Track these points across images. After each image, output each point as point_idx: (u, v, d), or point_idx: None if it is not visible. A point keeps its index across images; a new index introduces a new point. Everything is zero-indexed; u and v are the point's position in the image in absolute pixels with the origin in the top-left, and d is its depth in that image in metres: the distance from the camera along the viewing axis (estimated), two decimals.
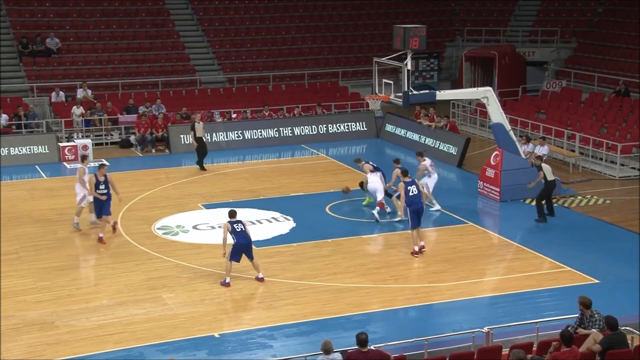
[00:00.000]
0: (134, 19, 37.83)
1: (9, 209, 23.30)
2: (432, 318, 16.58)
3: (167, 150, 30.66)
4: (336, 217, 22.58)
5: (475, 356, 12.69)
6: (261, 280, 17.92)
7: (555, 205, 22.63)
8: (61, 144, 29.38)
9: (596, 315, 13.23)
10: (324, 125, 32.37)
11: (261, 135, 31.49)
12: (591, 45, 37.39)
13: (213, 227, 21.48)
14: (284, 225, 21.89)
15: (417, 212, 19.42)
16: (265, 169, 28.09)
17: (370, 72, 26.00)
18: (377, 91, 24.26)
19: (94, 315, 16.36)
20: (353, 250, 20.05)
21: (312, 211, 23.03)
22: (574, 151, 28.13)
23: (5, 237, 20.89)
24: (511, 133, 24.38)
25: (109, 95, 33.68)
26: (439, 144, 29.13)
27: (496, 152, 24.11)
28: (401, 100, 23.31)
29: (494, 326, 13.97)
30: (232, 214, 17.88)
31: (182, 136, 30.41)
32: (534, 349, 12.96)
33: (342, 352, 12.40)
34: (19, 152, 29.00)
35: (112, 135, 32.07)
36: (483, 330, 13.62)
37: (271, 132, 31.61)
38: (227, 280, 17.71)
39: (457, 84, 37.06)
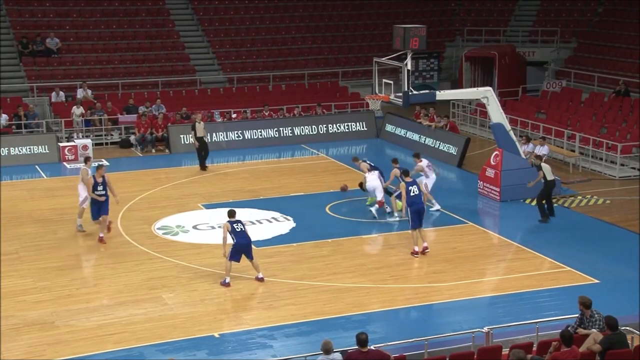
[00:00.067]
0: (134, 19, 37.83)
1: (9, 209, 23.30)
2: (432, 318, 16.58)
3: (167, 150, 30.66)
4: (336, 217, 22.58)
5: (475, 356, 12.69)
6: (261, 280, 17.92)
7: (555, 205, 22.64)
8: (61, 144, 29.39)
9: (596, 315, 13.23)
10: (324, 125, 32.38)
11: (261, 135, 31.49)
12: (591, 45, 37.39)
13: (213, 227, 21.48)
14: (284, 225, 21.89)
15: (418, 212, 19.42)
16: (265, 169, 28.09)
17: (370, 72, 26.01)
18: (377, 91, 24.26)
19: (94, 315, 16.36)
20: (353, 250, 20.05)
21: (312, 211, 23.03)
22: (574, 151, 28.13)
23: (5, 237, 20.89)
24: (511, 133, 24.38)
25: (109, 95, 33.69)
26: (439, 144, 29.13)
27: (496, 152, 24.11)
28: (401, 100, 23.31)
29: (494, 326, 13.97)
30: (232, 214, 17.87)
31: (182, 136, 30.41)
32: (534, 349, 12.95)
33: (342, 352, 12.40)
34: (19, 152, 29.00)
35: (112, 135, 32.07)
36: (483, 330, 13.62)
37: (271, 132, 31.62)
38: (227, 280, 17.71)
39: (457, 84, 37.07)
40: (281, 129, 31.72)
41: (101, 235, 20.52)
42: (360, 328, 14.59)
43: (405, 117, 31.77)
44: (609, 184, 25.89)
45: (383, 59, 24.60)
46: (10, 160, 28.48)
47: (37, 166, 28.45)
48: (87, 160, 21.81)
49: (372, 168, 22.53)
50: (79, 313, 16.47)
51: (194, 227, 21.79)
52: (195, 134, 27.43)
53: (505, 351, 12.75)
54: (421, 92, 24.95)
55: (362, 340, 12.14)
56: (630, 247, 19.93)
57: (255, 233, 20.19)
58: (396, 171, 21.52)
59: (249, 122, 31.84)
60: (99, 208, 20.50)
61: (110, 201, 20.68)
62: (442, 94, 25.07)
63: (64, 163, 28.82)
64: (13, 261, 19.33)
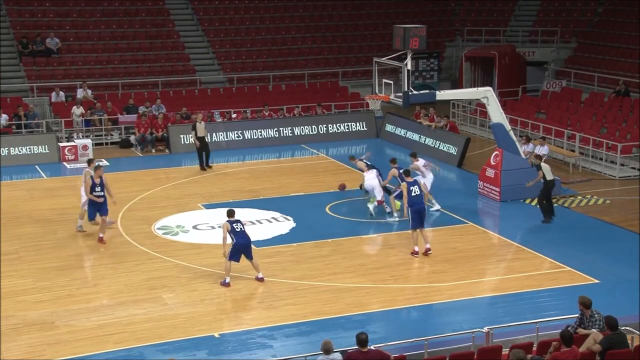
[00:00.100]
0: (134, 19, 37.83)
1: (9, 209, 23.30)
2: (432, 318, 16.58)
3: (167, 150, 30.66)
4: (336, 217, 22.58)
5: (475, 356, 12.69)
6: (261, 280, 17.92)
7: (555, 205, 22.62)
8: (61, 144, 29.38)
9: (596, 315, 13.22)
10: (324, 125, 32.38)
11: (261, 135, 31.48)
12: (591, 45, 37.39)
13: (213, 227, 21.47)
14: (284, 225, 21.89)
15: (418, 213, 19.41)
16: (265, 169, 28.09)
17: (370, 72, 26.00)
18: (377, 91, 24.26)
19: (94, 315, 16.36)
20: (353, 250, 20.05)
21: (312, 211, 23.03)
22: (574, 151, 28.13)
23: (5, 237, 20.89)
24: (511, 133, 24.38)
25: (109, 95, 33.68)
26: (439, 144, 29.13)
27: (496, 152, 24.11)
28: (401, 100, 23.31)
29: (494, 326, 13.96)
30: (231, 213, 17.86)
31: (182, 136, 30.41)
32: (534, 349, 12.95)
33: (342, 352, 12.40)
34: (19, 152, 29.00)
35: (112, 135, 32.07)
36: (483, 330, 13.62)
37: (271, 132, 31.61)
38: (227, 280, 17.71)
39: (457, 84, 37.06)
40: (281, 129, 31.72)
41: (101, 235, 20.52)
42: (360, 328, 14.59)
43: (405, 117, 31.77)
44: (609, 184, 25.89)
45: (383, 59, 24.60)
46: (10, 160, 28.48)
47: (37, 166, 28.45)
48: (90, 162, 21.73)
49: (369, 167, 22.54)
50: (79, 313, 16.47)
51: (194, 227, 21.79)
52: (195, 134, 27.43)
53: (505, 351, 12.74)
54: (421, 92, 24.95)
55: (362, 340, 12.14)
56: (630, 247, 19.93)
57: (255, 233, 20.19)
58: (394, 171, 21.52)
59: (249, 122, 31.84)
60: (96, 209, 20.49)
61: (109, 201, 20.69)
62: (442, 94, 25.07)
63: (64, 163, 28.82)
64: (13, 261, 19.33)
